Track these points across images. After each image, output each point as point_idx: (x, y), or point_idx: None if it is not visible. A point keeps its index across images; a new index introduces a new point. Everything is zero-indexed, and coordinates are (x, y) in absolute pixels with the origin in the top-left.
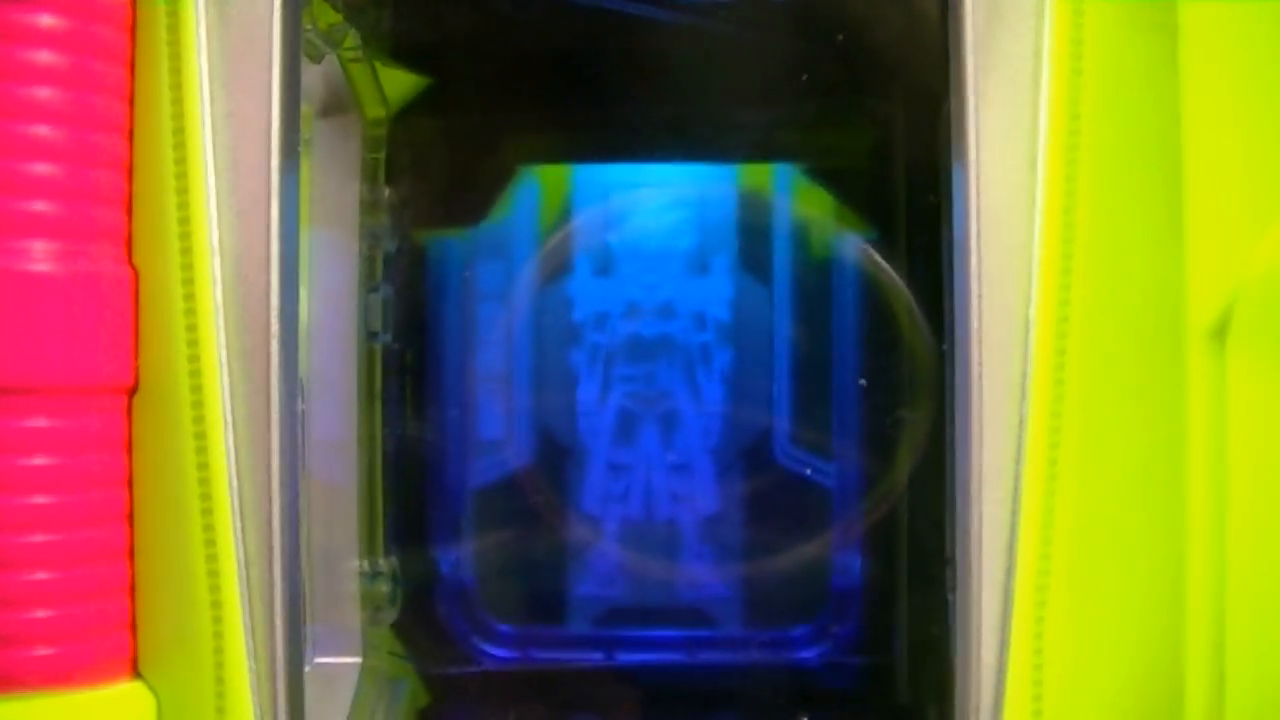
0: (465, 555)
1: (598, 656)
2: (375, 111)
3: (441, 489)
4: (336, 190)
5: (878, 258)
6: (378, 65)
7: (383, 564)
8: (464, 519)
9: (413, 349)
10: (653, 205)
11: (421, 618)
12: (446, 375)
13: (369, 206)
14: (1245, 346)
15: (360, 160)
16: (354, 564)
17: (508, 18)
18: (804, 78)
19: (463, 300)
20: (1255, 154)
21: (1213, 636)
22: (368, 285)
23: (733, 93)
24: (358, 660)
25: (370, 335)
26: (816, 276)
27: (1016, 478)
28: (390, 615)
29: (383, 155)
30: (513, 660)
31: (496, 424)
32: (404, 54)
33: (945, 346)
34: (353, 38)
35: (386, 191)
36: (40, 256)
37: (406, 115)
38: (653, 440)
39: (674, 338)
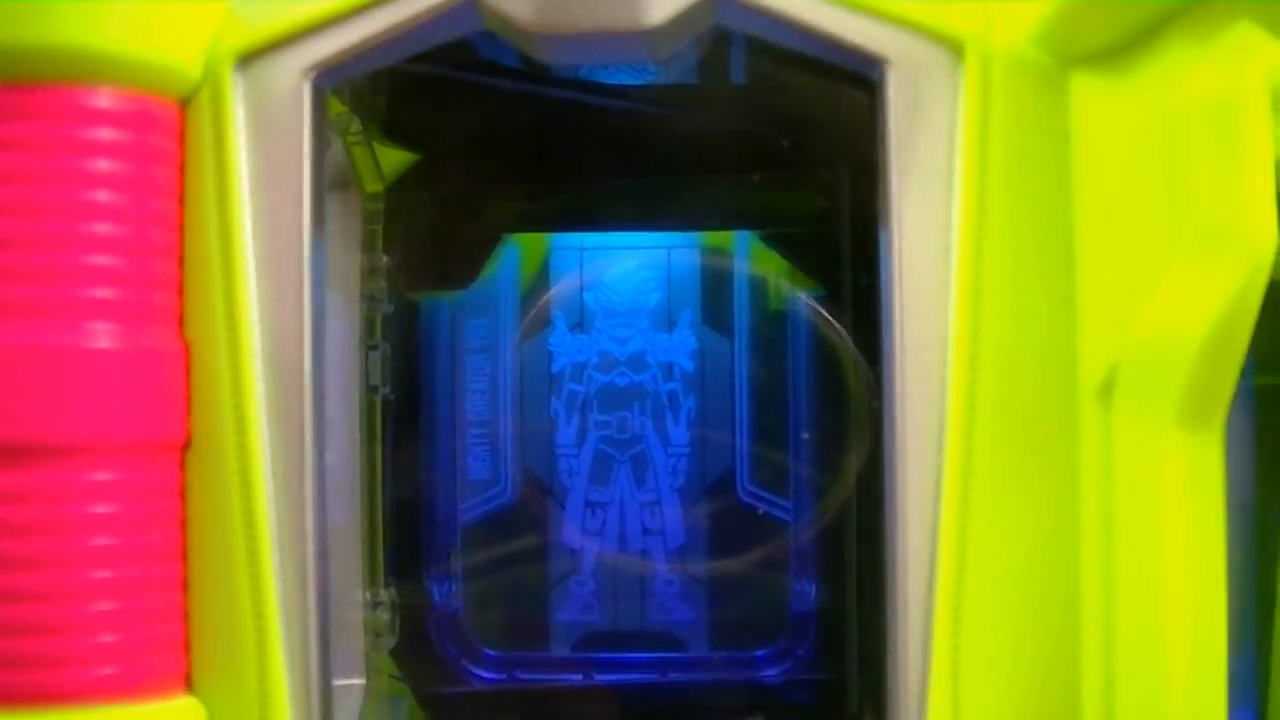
0: (455, 586)
1: (577, 677)
2: (373, 187)
3: (434, 525)
4: (340, 259)
5: (825, 314)
6: (375, 145)
7: (383, 594)
8: (454, 553)
9: (408, 400)
10: (623, 268)
11: (417, 643)
12: (438, 423)
13: (368, 273)
14: (1126, 402)
15: (360, 231)
16: (357, 594)
17: (492, 103)
18: (755, 177)
19: (453, 355)
20: (1135, 243)
21: (1103, 648)
22: (368, 343)
23: (695, 168)
24: (362, 682)
25: (370, 388)
26: (771, 330)
27: (935, 515)
28: (390, 641)
29: (380, 227)
30: (499, 681)
31: (484, 466)
32: (398, 134)
33: (876, 404)
34: (355, 124)
35: (384, 259)
36: (104, 335)
37: (400, 189)
38: (626, 479)
39: (644, 387)
